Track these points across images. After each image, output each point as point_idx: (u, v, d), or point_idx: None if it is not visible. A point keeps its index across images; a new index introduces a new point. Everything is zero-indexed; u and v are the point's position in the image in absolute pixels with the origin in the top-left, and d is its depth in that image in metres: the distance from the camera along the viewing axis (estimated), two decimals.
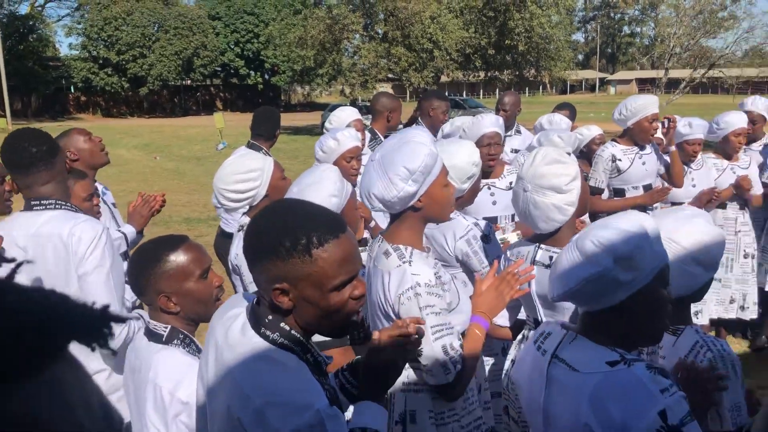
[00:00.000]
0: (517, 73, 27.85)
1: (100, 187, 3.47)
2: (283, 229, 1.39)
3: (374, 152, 2.17)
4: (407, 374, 2.16)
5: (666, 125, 4.29)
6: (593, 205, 4.16)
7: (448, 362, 2.01)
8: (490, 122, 3.64)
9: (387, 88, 31.46)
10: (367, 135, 4.62)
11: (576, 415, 1.51)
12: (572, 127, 5.03)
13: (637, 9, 74.06)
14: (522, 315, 2.67)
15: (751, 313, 4.82)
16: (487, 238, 2.83)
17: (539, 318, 2.52)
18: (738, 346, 5.30)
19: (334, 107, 4.81)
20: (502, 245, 3.06)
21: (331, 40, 25.87)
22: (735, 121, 4.63)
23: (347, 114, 4.47)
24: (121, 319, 2.47)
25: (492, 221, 3.71)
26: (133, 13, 44.06)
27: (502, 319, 2.71)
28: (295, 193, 2.62)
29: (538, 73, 28.13)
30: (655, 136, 4.30)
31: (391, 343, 1.68)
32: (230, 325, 1.48)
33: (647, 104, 4.18)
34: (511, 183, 3.72)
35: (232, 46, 50.14)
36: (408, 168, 2.02)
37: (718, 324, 5.01)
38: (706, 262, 1.89)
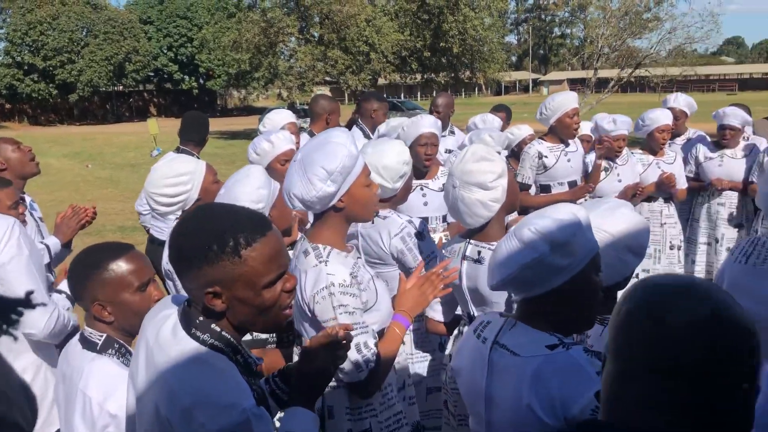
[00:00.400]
0: (453, 74, 28.22)
1: (28, 200, 3.37)
2: (209, 234, 1.40)
3: (296, 153, 2.20)
4: None
5: (600, 143, 4.42)
6: (523, 201, 4.27)
7: (361, 361, 2.05)
8: (428, 123, 3.72)
9: (325, 90, 31.37)
10: (306, 137, 4.63)
11: (518, 397, 1.57)
12: (505, 128, 5.17)
13: (567, 11, 76.11)
14: (459, 311, 2.72)
15: None
16: (421, 235, 2.89)
17: (471, 312, 2.58)
18: None
19: (272, 111, 4.75)
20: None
21: (266, 44, 25.65)
22: (659, 117, 4.82)
23: (281, 116, 4.47)
24: (44, 304, 2.43)
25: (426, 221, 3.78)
26: (59, 17, 42.58)
27: (439, 314, 2.76)
28: (222, 194, 2.65)
29: (473, 74, 28.58)
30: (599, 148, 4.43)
31: (323, 350, 1.70)
32: (161, 326, 1.49)
33: (566, 100, 4.32)
34: (444, 185, 3.79)
35: (165, 51, 49.08)
36: (326, 168, 2.05)
37: None
38: (635, 248, 1.97)
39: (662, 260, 4.93)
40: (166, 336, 1.46)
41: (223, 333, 1.45)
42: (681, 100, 5.47)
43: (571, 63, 57.79)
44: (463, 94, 60.85)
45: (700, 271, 5.18)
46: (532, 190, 4.50)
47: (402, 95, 54.06)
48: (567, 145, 4.43)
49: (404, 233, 2.85)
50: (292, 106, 25.62)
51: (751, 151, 5.04)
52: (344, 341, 1.74)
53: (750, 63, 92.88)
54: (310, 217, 3.58)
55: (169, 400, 1.37)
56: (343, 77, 25.56)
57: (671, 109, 5.30)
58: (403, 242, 2.84)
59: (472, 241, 2.54)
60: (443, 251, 2.72)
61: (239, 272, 1.40)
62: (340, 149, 2.07)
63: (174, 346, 1.44)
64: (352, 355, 2.03)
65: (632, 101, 36.26)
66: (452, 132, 5.59)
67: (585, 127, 5.01)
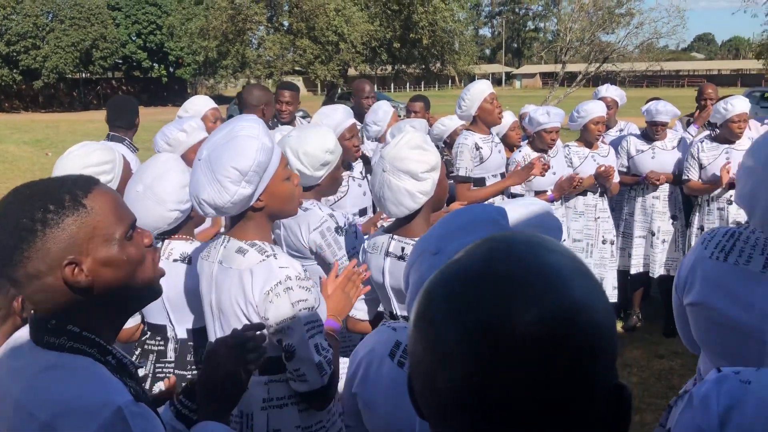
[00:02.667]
0: (424, 66, 28.19)
1: None
2: (39, 197, 1.21)
3: (200, 149, 1.94)
4: (267, 389, 1.96)
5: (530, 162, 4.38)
6: (463, 196, 4.20)
7: (323, 362, 1.86)
8: (342, 116, 3.56)
9: (296, 80, 31.17)
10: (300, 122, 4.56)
11: None
12: (425, 117, 5.11)
13: (541, 5, 76.47)
14: (381, 308, 2.64)
15: (611, 297, 5.03)
16: (341, 229, 2.72)
17: (393, 311, 2.50)
18: None
19: (194, 96, 4.62)
20: None
21: (234, 31, 25.35)
22: (593, 109, 4.79)
23: (204, 102, 4.31)
24: None
25: (364, 212, 3.70)
26: (23, 1, 41.60)
27: (361, 312, 2.68)
28: (140, 192, 2.39)
29: (443, 66, 28.55)
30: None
31: (231, 351, 1.53)
32: (8, 349, 1.30)
33: (481, 88, 4.26)
34: (361, 172, 3.72)
35: (134, 38, 48.20)
36: (239, 168, 1.81)
37: None
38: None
39: (594, 254, 4.91)
40: (14, 356, 1.26)
41: (84, 333, 1.25)
42: (612, 90, 5.49)
43: (543, 57, 58.11)
44: (436, 86, 60.84)
45: (636, 265, 5.19)
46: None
47: (375, 87, 53.93)
48: (492, 135, 4.37)
49: (323, 227, 2.67)
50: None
51: (680, 144, 5.05)
52: (256, 340, 1.56)
53: (719, 59, 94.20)
54: None
55: (22, 422, 1.16)
56: (312, 67, 25.37)
57: (603, 99, 5.30)
58: (322, 237, 2.66)
59: (395, 236, 2.45)
60: (365, 245, 2.64)
61: (91, 224, 1.22)
62: (251, 143, 1.83)
63: (24, 363, 1.23)
64: (315, 356, 1.85)
65: None
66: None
67: (509, 117, 4.97)
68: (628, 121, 5.78)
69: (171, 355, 2.46)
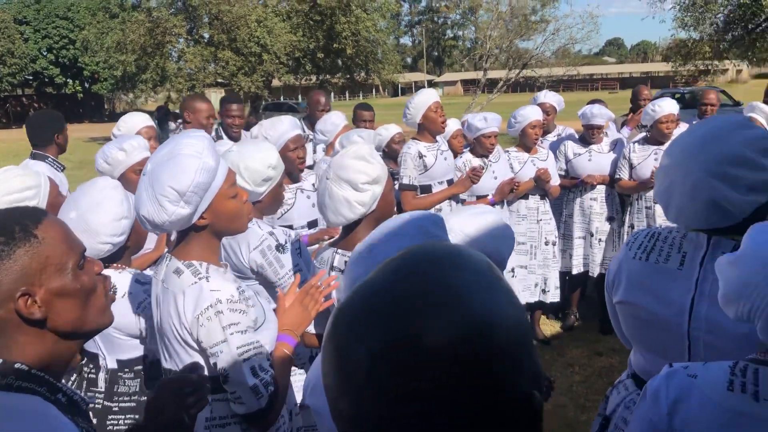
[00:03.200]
0: (348, 76, 28.23)
1: None
2: None
3: (147, 163, 1.91)
4: (210, 409, 1.92)
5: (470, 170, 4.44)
6: (408, 204, 4.23)
7: (259, 385, 1.83)
8: (289, 126, 3.51)
9: (219, 93, 30.61)
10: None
11: None
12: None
13: (458, 13, 78.07)
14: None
15: (553, 297, 5.15)
16: (282, 247, 2.65)
17: None
18: (551, 327, 5.67)
19: (128, 114, 4.47)
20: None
21: (153, 45, 24.66)
22: (530, 114, 4.91)
23: (138, 120, 4.18)
24: None
25: (313, 224, 3.63)
26: None
27: (310, 325, 2.63)
28: (73, 219, 2.27)
29: (368, 76, 28.68)
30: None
31: (174, 397, 1.47)
32: None
33: (426, 97, 4.33)
34: (313, 184, 3.66)
35: (45, 53, 46.30)
36: (176, 189, 1.78)
37: (533, 308, 5.30)
38: (493, 255, 1.88)
39: (538, 255, 5.03)
40: None
41: (33, 371, 1.20)
42: (550, 96, 5.63)
43: (464, 64, 59.31)
44: (360, 95, 61.12)
45: (577, 265, 5.33)
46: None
47: (299, 97, 53.69)
48: (438, 142, 4.43)
49: (264, 246, 2.59)
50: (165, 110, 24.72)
51: (616, 146, 5.24)
52: (199, 384, 1.51)
53: (629, 63, 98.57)
54: None
55: None
56: (236, 79, 24.98)
57: (541, 104, 5.44)
58: (263, 256, 2.59)
59: (338, 250, 2.42)
60: (315, 261, 2.59)
61: (43, 254, 1.20)
62: (191, 163, 1.79)
63: None
64: (250, 379, 1.81)
65: (520, 101, 37.39)
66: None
67: (453, 124, 5.04)
68: (566, 126, 5.95)
69: (102, 384, 2.38)
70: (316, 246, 3.34)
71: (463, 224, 1.86)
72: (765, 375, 1.26)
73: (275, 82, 29.01)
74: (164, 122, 16.25)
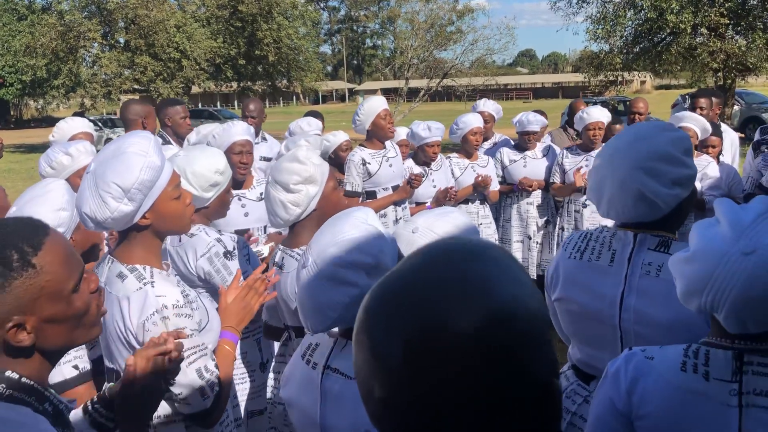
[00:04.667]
0: (270, 83, 28.00)
1: None
2: None
3: (90, 162, 1.91)
4: None
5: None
6: None
7: (206, 386, 1.85)
8: (240, 130, 3.54)
9: (135, 98, 29.69)
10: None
11: (355, 424, 1.47)
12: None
13: (377, 23, 78.84)
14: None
15: None
16: (230, 254, 2.64)
17: (286, 322, 2.50)
18: None
19: (64, 119, 4.36)
20: (260, 259, 2.98)
21: (65, 49, 23.69)
22: (471, 121, 5.09)
23: (75, 125, 4.05)
24: None
25: (243, 234, 3.62)
26: None
27: (274, 319, 2.66)
28: (14, 213, 2.28)
29: (290, 83, 28.55)
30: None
31: (150, 366, 1.51)
32: None
33: (375, 104, 4.44)
34: (261, 194, 3.65)
35: None
36: (120, 185, 1.78)
37: None
38: None
39: None
40: None
41: (23, 379, 1.20)
42: (489, 105, 5.87)
43: (384, 73, 59.91)
44: (281, 102, 60.63)
45: None
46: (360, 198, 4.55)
47: (218, 104, 52.73)
48: (386, 149, 4.53)
49: (212, 253, 2.58)
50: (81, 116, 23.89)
51: (549, 152, 5.50)
52: (175, 351, 1.55)
53: (541, 73, 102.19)
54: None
55: None
56: (154, 85, 24.34)
57: (481, 113, 5.64)
58: (210, 263, 2.57)
59: (281, 246, 2.49)
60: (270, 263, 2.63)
61: (39, 285, 1.18)
62: (136, 161, 1.80)
63: None
64: (195, 381, 1.82)
65: (441, 109, 38.31)
66: (264, 138, 5.64)
67: (402, 133, 5.17)
68: (503, 134, 6.18)
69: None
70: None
71: (432, 224, 1.96)
72: (715, 356, 1.37)
73: (194, 89, 28.43)
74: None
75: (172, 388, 1.82)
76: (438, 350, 0.72)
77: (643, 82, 49.97)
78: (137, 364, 1.51)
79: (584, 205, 5.10)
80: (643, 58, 18.74)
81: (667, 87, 56.86)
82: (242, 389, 2.86)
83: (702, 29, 16.51)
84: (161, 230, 1.95)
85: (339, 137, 4.84)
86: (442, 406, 0.73)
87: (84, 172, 3.19)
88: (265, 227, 3.63)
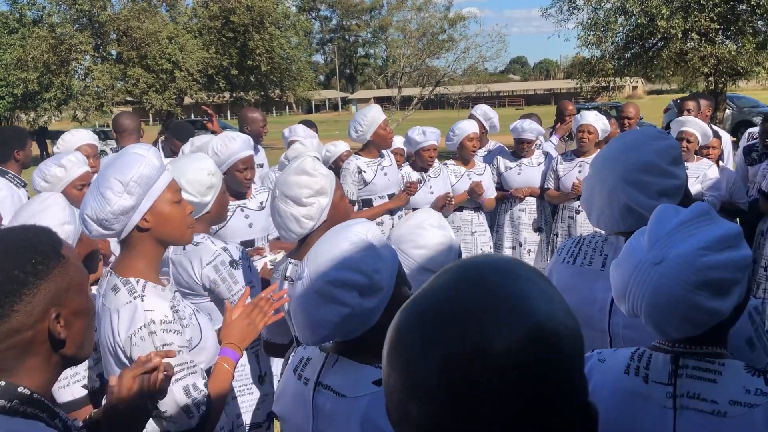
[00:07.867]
0: (263, 93, 28.03)
1: None
2: (25, 249, 1.20)
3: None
4: None
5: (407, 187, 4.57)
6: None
7: (191, 405, 1.82)
8: (241, 145, 3.41)
9: (127, 110, 29.69)
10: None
11: None
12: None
13: (369, 32, 79.11)
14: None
15: None
16: (236, 263, 2.61)
17: (293, 334, 2.47)
18: None
19: (68, 132, 4.39)
20: (271, 267, 2.95)
21: (57, 62, 23.69)
22: (467, 127, 5.09)
23: (78, 137, 4.07)
24: None
25: (249, 244, 3.58)
26: None
27: (278, 336, 2.62)
28: None
29: (282, 93, 28.59)
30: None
31: (135, 385, 1.49)
32: None
33: (376, 114, 4.44)
34: (261, 202, 3.63)
35: None
36: (120, 180, 1.81)
37: None
38: (434, 268, 1.95)
39: None
40: None
41: (35, 395, 1.19)
42: (484, 111, 5.88)
43: (377, 82, 60.09)
44: (274, 112, 60.71)
45: None
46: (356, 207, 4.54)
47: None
48: (382, 157, 4.53)
49: (217, 261, 2.55)
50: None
51: (546, 159, 5.49)
52: (164, 370, 1.53)
53: (533, 80, 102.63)
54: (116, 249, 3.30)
55: None
56: (147, 96, 24.34)
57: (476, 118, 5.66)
58: (216, 272, 2.54)
59: (291, 260, 2.45)
60: (274, 274, 2.60)
61: (69, 274, 1.23)
62: (136, 158, 1.86)
63: None
64: (181, 399, 1.79)
65: (434, 117, 38.40)
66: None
67: (396, 142, 5.17)
68: (497, 142, 6.19)
69: None
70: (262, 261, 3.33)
71: (404, 244, 1.95)
72: (656, 360, 1.40)
73: (187, 100, 28.45)
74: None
75: (158, 405, 1.79)
76: (478, 370, 0.70)
77: (634, 88, 50.31)
78: (122, 384, 1.49)
79: (578, 211, 5.10)
80: (635, 64, 18.84)
81: (659, 92, 57.25)
82: (240, 402, 2.82)
83: (692, 34, 16.59)
84: (162, 237, 1.93)
85: (340, 147, 4.83)
86: (483, 428, 0.70)
87: (78, 182, 3.20)
88: (267, 236, 3.61)
